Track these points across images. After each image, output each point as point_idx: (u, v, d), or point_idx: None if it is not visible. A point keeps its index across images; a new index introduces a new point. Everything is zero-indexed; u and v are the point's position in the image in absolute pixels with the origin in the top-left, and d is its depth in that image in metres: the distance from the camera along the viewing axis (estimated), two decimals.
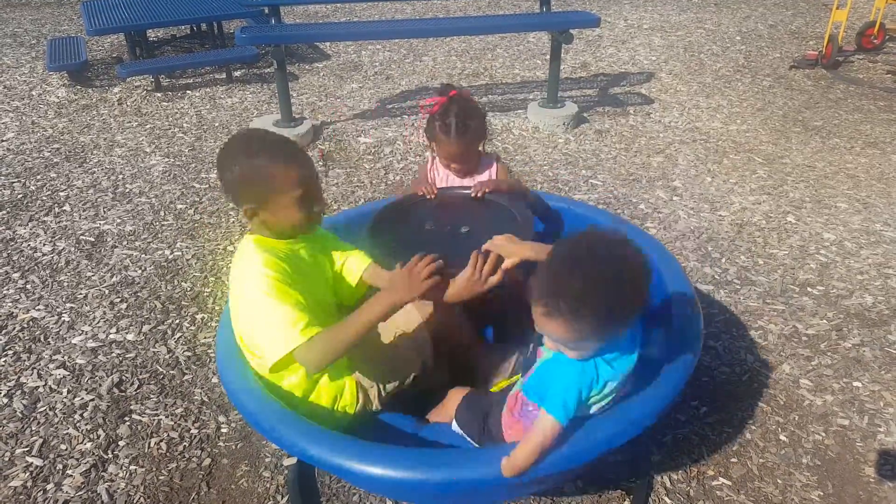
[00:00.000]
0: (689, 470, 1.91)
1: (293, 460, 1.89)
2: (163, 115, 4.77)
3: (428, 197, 2.09)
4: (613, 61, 5.91)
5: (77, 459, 1.99)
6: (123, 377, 2.31)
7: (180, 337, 2.51)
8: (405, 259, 1.56)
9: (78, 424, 2.12)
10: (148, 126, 4.57)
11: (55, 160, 4.06)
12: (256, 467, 1.95)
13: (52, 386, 2.28)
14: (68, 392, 2.25)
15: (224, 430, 2.08)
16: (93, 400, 2.21)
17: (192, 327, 2.56)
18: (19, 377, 2.32)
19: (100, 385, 2.27)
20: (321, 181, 1.64)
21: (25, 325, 2.59)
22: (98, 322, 2.60)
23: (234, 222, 3.32)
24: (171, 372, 2.33)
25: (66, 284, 2.85)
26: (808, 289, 2.74)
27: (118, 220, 3.36)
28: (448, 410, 1.70)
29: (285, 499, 1.85)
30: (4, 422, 2.13)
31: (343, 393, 1.65)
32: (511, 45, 6.43)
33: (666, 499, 1.82)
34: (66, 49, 5.58)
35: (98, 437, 2.06)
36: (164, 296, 2.75)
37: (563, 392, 1.28)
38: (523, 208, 1.97)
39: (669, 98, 5.00)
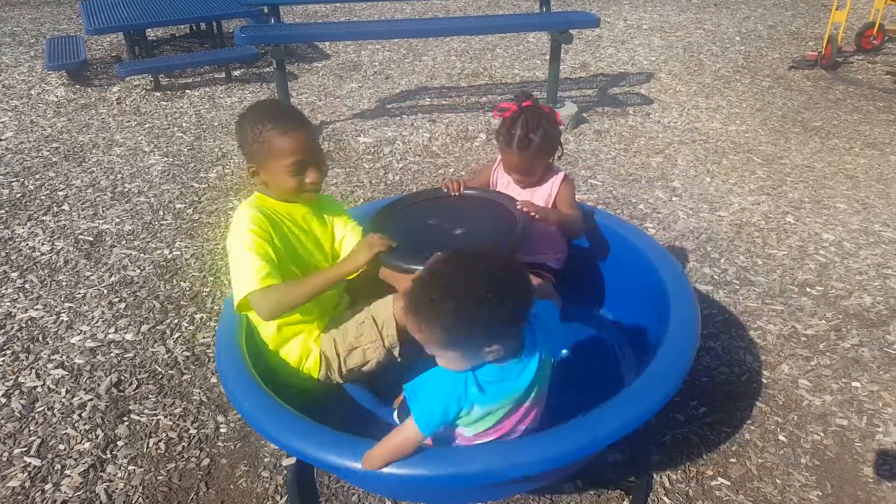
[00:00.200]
0: (688, 470, 1.91)
1: (292, 460, 1.89)
2: (162, 114, 4.77)
3: (452, 194, 2.08)
4: (613, 61, 5.91)
5: (75, 459, 1.99)
6: (122, 377, 2.31)
7: (179, 337, 2.50)
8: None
9: (76, 424, 2.11)
10: (147, 125, 4.57)
11: (54, 159, 4.06)
12: (255, 467, 1.95)
13: (51, 386, 2.28)
14: (67, 392, 2.25)
15: (223, 431, 2.08)
16: (91, 400, 2.21)
17: (191, 327, 2.56)
18: (17, 377, 2.32)
19: (98, 385, 2.27)
20: (322, 156, 1.76)
21: (24, 325, 2.59)
22: (97, 322, 2.60)
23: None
24: (170, 372, 2.33)
25: (64, 284, 2.85)
26: (807, 289, 2.74)
27: (117, 220, 3.36)
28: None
29: (284, 499, 1.84)
30: (2, 422, 2.13)
31: (308, 357, 1.79)
32: (511, 45, 6.43)
33: (665, 499, 1.82)
34: (65, 48, 5.58)
35: (96, 438, 2.06)
36: (162, 295, 2.75)
37: (429, 401, 1.32)
38: (528, 222, 1.88)
39: (669, 98, 5.00)
